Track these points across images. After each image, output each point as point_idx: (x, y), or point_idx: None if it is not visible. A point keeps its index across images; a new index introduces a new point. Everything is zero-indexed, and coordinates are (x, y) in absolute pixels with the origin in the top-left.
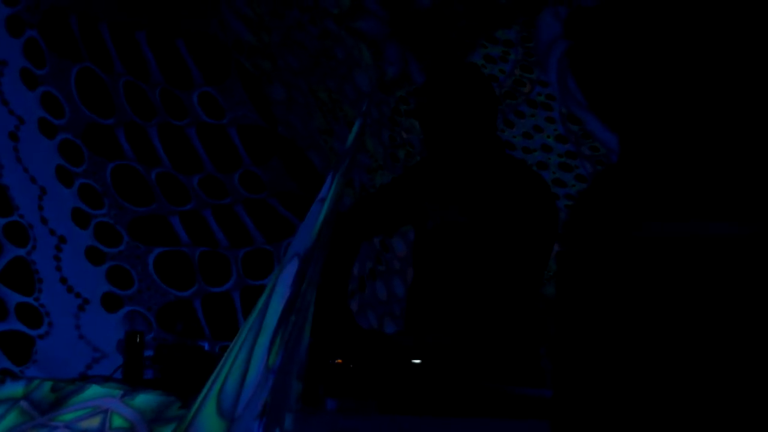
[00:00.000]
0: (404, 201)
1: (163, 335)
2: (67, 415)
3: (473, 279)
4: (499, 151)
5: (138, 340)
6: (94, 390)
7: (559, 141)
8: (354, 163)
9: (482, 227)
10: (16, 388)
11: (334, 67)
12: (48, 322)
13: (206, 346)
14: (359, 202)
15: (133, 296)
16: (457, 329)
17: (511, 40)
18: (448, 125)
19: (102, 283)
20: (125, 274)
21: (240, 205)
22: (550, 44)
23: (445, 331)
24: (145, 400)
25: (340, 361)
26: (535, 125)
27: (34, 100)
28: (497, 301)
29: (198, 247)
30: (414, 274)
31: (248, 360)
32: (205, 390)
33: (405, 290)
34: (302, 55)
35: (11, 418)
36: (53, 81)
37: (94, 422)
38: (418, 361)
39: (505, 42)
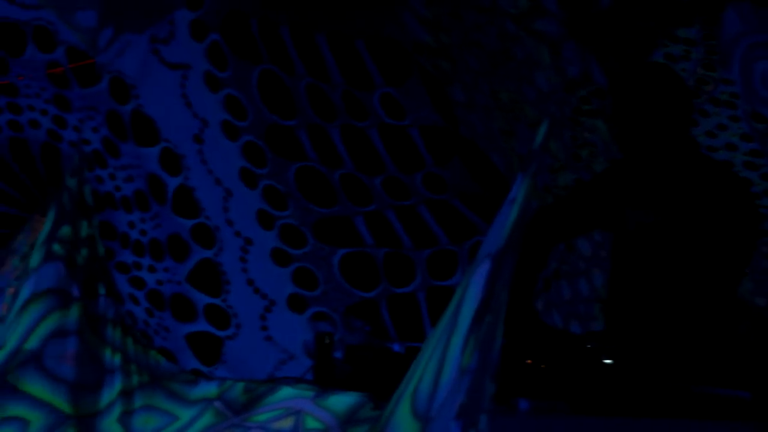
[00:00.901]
0: (599, 204)
1: (349, 336)
2: (261, 416)
3: (672, 281)
4: (695, 151)
5: (327, 341)
6: (286, 391)
7: (744, 140)
8: (542, 164)
9: (681, 229)
10: (209, 389)
11: (514, 68)
12: (236, 323)
13: (395, 347)
14: (552, 205)
15: (318, 297)
16: (656, 330)
17: (693, 38)
18: (645, 127)
19: (288, 284)
20: (310, 275)
21: (423, 206)
22: (733, 42)
23: (644, 332)
24: (337, 401)
25: (530, 361)
26: (719, 124)
27: (218, 102)
28: (695, 303)
29: (382, 248)
30: (612, 275)
31: (442, 361)
32: (398, 391)
33: (589, 291)
34: (481, 56)
35: (207, 419)
36: (235, 83)
37: (287, 423)
38: (609, 361)
39: (686, 41)
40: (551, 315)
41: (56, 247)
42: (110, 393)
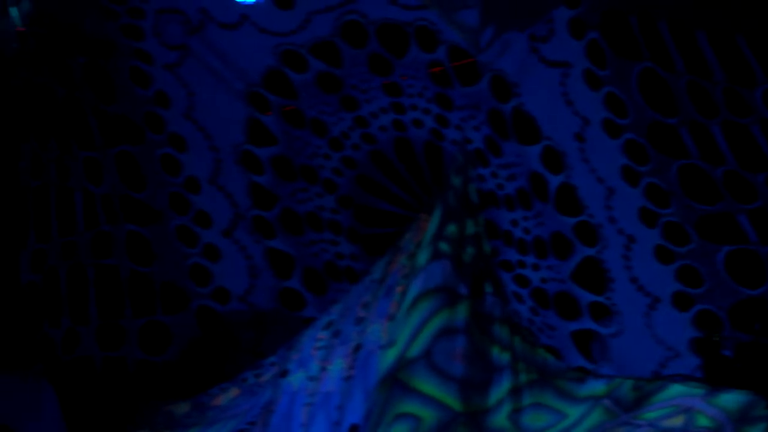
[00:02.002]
0: None
1: (737, 335)
2: (650, 414)
3: None
4: None
5: (716, 339)
6: (676, 389)
7: None
8: None
9: None
10: (597, 386)
11: None
12: (619, 320)
13: None
14: None
15: (703, 295)
16: None
17: None
18: None
19: (672, 282)
20: (695, 273)
21: None
22: None
23: None
24: (730, 399)
25: None
26: None
27: (598, 100)
28: None
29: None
30: None
31: None
32: None
33: None
34: None
35: (596, 416)
36: (616, 81)
37: (677, 421)
38: None
39: None
40: None
41: (443, 246)
42: (499, 390)
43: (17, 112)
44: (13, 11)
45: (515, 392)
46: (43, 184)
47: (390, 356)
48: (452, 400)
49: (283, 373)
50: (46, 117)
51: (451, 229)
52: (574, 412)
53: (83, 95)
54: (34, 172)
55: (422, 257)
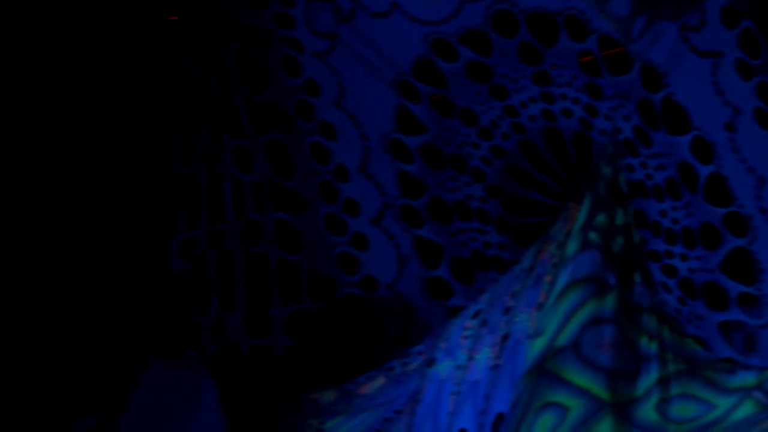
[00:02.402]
0: None
1: None
2: None
3: None
4: None
5: None
6: None
7: None
8: None
9: None
10: (748, 378)
11: None
12: None
13: None
14: None
15: None
16: None
17: None
18: None
19: None
20: None
21: None
22: None
23: None
24: None
25: None
26: None
27: (750, 90)
28: None
29: None
30: None
31: None
32: None
33: None
34: None
35: (746, 408)
36: None
37: None
38: None
39: None
40: None
41: (592, 236)
42: (647, 380)
43: (170, 101)
44: None
45: (663, 382)
46: (193, 172)
47: (538, 346)
48: (600, 390)
49: (430, 362)
50: (197, 106)
51: (601, 219)
52: (723, 402)
53: (234, 84)
54: (184, 161)
55: (571, 247)
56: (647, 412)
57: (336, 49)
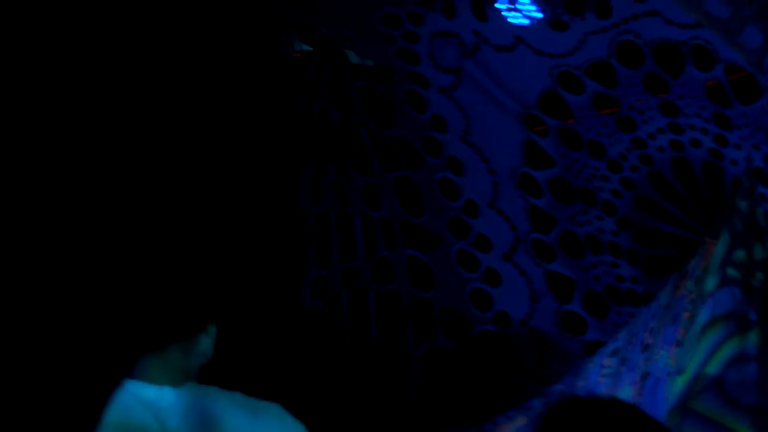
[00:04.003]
0: None
1: None
2: None
3: None
4: None
5: None
6: None
7: None
8: None
9: None
10: None
11: None
12: None
13: None
14: None
15: None
16: None
17: None
18: None
19: None
20: None
21: None
22: None
23: None
24: None
25: None
26: None
27: None
28: None
29: None
30: None
31: None
32: None
33: None
34: None
35: None
36: None
37: None
38: None
39: None
40: None
41: (731, 271)
42: None
43: (297, 138)
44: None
45: None
46: (322, 210)
47: (679, 384)
48: (745, 429)
49: None
50: (324, 142)
51: (739, 254)
52: None
53: (360, 120)
54: (313, 199)
55: (710, 283)
56: None
57: (461, 84)
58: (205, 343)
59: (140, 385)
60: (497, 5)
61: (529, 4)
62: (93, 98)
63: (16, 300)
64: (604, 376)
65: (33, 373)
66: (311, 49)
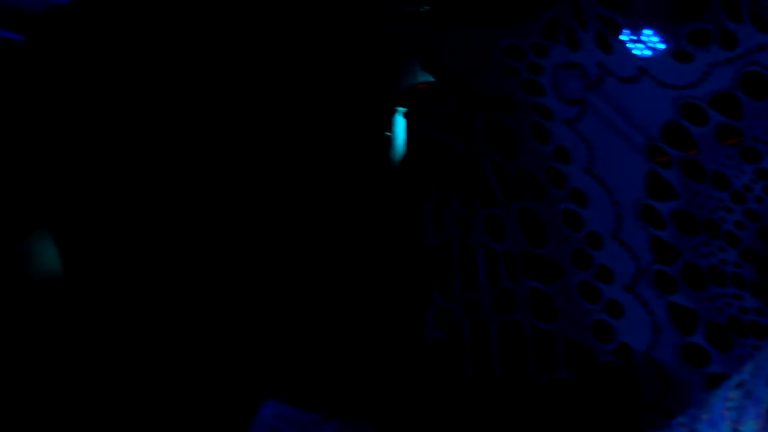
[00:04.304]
0: None
1: None
2: None
3: None
4: None
5: None
6: None
7: None
8: None
9: None
10: None
11: None
12: None
13: None
14: None
15: None
16: None
17: None
18: None
19: None
20: None
21: None
22: None
23: None
24: None
25: None
26: None
27: None
28: None
29: None
30: None
31: None
32: None
33: None
34: None
35: None
36: None
37: None
38: None
39: None
40: None
41: None
42: None
43: (421, 169)
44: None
45: None
46: (445, 241)
47: None
48: None
49: None
50: (447, 173)
51: None
52: None
53: (483, 151)
54: (436, 231)
55: None
56: None
57: (585, 116)
58: None
59: None
60: (621, 37)
61: (653, 35)
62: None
63: None
64: (728, 410)
65: None
66: (434, 80)
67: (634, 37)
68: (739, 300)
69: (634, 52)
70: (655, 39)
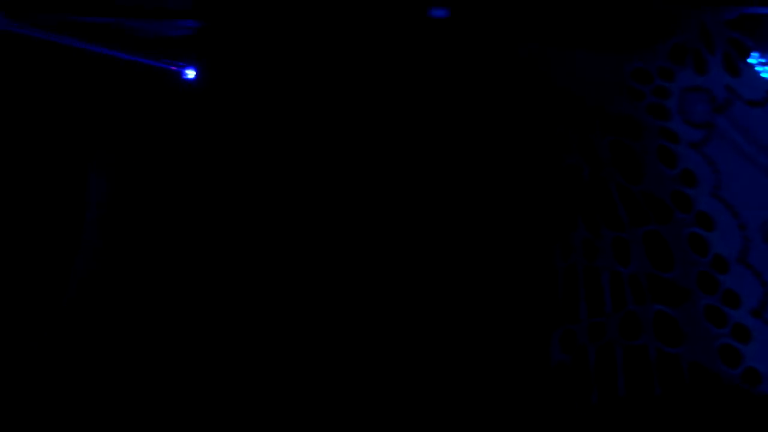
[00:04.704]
0: None
1: None
2: None
3: None
4: None
5: None
6: None
7: None
8: None
9: None
10: None
11: None
12: None
13: None
14: None
15: None
16: None
17: None
18: None
19: None
20: None
21: None
22: None
23: None
24: None
25: None
26: None
27: None
28: None
29: None
30: None
31: None
32: None
33: None
34: None
35: None
36: None
37: None
38: None
39: None
40: None
41: None
42: None
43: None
44: None
45: None
46: (571, 265)
47: None
48: None
49: None
50: (573, 197)
51: None
52: None
53: (609, 175)
54: (563, 254)
55: None
56: None
57: (711, 139)
58: None
59: None
60: (750, 60)
61: None
62: None
63: None
64: None
65: None
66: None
67: (763, 60)
68: None
69: (763, 75)
70: None
